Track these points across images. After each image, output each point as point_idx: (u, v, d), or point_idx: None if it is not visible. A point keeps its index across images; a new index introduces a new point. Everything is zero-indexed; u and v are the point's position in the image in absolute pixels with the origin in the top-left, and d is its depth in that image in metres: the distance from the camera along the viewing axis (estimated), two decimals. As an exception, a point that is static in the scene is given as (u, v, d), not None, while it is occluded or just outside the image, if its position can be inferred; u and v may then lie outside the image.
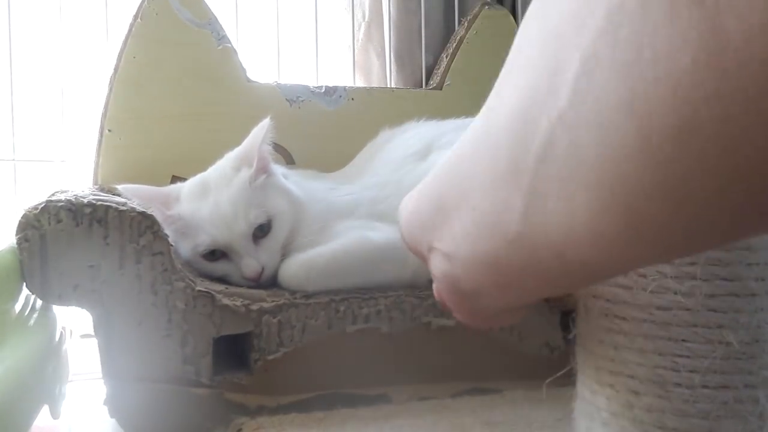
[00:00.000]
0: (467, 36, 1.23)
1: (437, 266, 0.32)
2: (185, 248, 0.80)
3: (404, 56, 1.26)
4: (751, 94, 0.15)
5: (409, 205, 0.36)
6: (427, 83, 1.26)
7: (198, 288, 0.72)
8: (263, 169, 0.84)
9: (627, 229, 0.20)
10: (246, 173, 0.82)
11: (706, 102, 0.15)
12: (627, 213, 0.19)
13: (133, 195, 0.79)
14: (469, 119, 1.03)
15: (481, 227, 0.26)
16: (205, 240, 0.79)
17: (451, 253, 0.29)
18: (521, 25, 0.25)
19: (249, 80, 1.10)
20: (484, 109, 0.27)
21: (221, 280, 0.80)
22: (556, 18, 0.21)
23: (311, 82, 1.15)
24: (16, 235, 0.66)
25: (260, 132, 0.84)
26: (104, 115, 1.01)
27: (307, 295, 0.77)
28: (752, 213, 0.17)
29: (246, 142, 0.85)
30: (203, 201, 0.81)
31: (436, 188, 0.31)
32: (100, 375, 0.72)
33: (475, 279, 0.29)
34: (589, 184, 0.19)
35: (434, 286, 0.36)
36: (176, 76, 1.05)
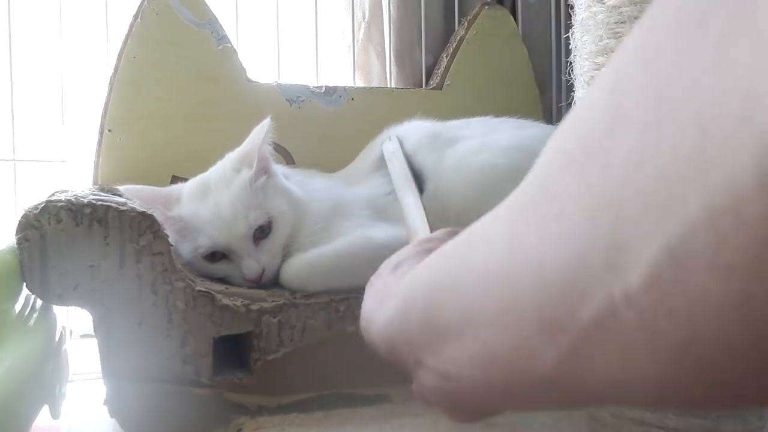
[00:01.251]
0: (467, 36, 1.23)
1: (429, 381, 0.30)
2: (186, 249, 0.80)
3: (404, 56, 1.26)
4: None
5: (384, 312, 0.34)
6: (427, 83, 1.26)
7: (198, 288, 0.72)
8: (264, 170, 0.84)
9: (698, 394, 0.19)
10: (246, 174, 0.82)
11: None
12: (707, 386, 0.18)
13: (134, 196, 0.79)
14: (474, 118, 1.03)
15: (495, 363, 0.25)
16: (205, 242, 0.79)
17: (452, 375, 0.28)
18: (545, 154, 0.23)
19: (249, 80, 1.10)
20: (492, 240, 0.25)
21: (222, 280, 0.80)
22: (611, 185, 0.19)
23: (311, 82, 1.15)
24: (16, 235, 0.66)
25: (260, 132, 0.84)
26: (104, 115, 1.01)
27: (307, 295, 0.77)
28: None
29: (246, 143, 0.85)
30: (203, 202, 0.81)
31: (426, 305, 0.29)
32: (100, 375, 0.72)
33: (483, 398, 0.28)
34: (664, 359, 0.18)
35: (419, 392, 0.34)
36: (176, 76, 1.05)
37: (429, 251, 0.38)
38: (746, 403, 0.19)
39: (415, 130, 0.98)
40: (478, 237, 0.27)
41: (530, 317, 0.22)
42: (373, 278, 0.42)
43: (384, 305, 0.35)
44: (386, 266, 0.41)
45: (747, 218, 0.15)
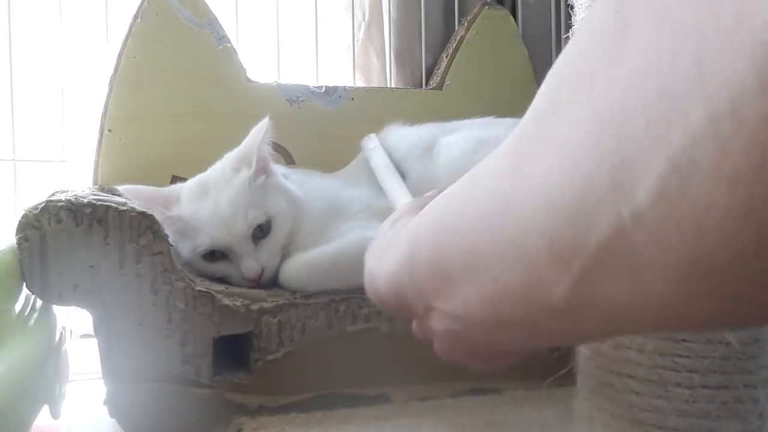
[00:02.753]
0: (467, 36, 1.23)
1: (440, 325, 0.30)
2: (185, 249, 0.80)
3: (404, 56, 1.26)
4: None
5: (388, 264, 0.34)
6: (427, 83, 1.26)
7: (198, 288, 0.72)
8: (263, 170, 0.84)
9: (710, 313, 0.19)
10: (245, 174, 0.82)
11: None
12: (718, 303, 0.18)
13: (133, 196, 0.79)
14: (475, 119, 1.03)
15: (507, 297, 0.25)
16: (204, 241, 0.79)
17: (463, 315, 0.28)
18: (548, 76, 0.23)
19: (249, 80, 1.10)
20: (493, 175, 0.25)
21: (222, 280, 0.80)
22: (614, 104, 0.19)
23: (311, 82, 1.15)
24: (16, 235, 0.66)
25: (259, 132, 0.84)
26: (104, 115, 1.01)
27: (307, 295, 0.77)
28: None
29: (245, 143, 0.85)
30: (202, 202, 0.81)
31: (432, 249, 0.29)
32: (100, 375, 0.72)
33: (494, 336, 0.28)
34: (674, 277, 0.18)
35: (433, 337, 0.34)
36: (176, 76, 1.05)
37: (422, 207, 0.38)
38: (760, 319, 0.20)
39: (403, 137, 0.99)
40: (481, 176, 0.27)
41: (540, 248, 0.22)
42: (373, 241, 0.41)
43: (387, 257, 0.34)
44: (385, 225, 0.41)
45: (747, 122, 0.15)
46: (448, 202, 0.29)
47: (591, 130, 0.20)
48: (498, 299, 0.25)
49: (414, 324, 0.36)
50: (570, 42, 0.23)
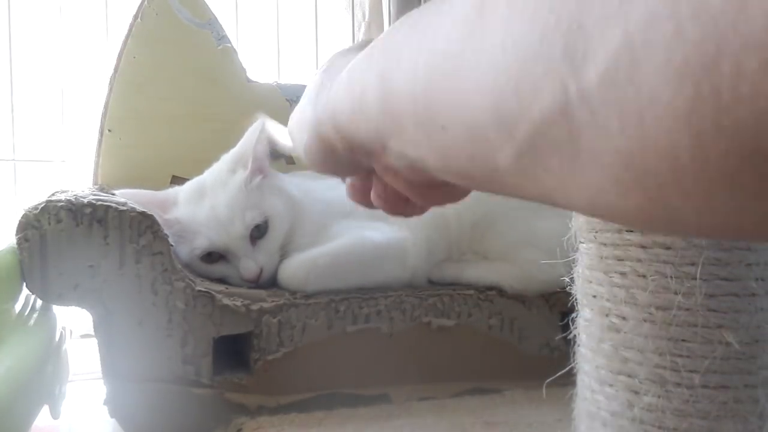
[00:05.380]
0: (467, 36, 1.23)
1: (398, 161, 0.29)
2: (184, 251, 0.80)
3: (404, 56, 1.26)
4: None
5: (331, 93, 0.31)
6: (427, 83, 1.26)
7: (198, 288, 0.72)
8: (259, 170, 0.84)
9: (641, 211, 0.18)
10: (241, 175, 0.82)
11: None
12: (648, 201, 0.18)
13: (130, 200, 0.79)
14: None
15: (455, 150, 0.24)
16: (202, 243, 0.79)
17: (415, 158, 0.27)
18: None
19: (249, 80, 1.10)
20: (451, 18, 0.23)
21: (221, 280, 0.80)
22: None
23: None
24: (16, 235, 0.66)
25: (254, 133, 0.83)
26: (104, 115, 1.01)
27: (307, 295, 0.77)
28: None
29: (240, 144, 0.85)
30: (200, 204, 0.81)
31: (379, 91, 0.27)
32: (100, 375, 0.72)
33: (446, 178, 0.27)
34: (608, 165, 0.18)
35: (382, 178, 0.33)
36: (176, 76, 1.05)
37: (349, 50, 0.35)
38: (697, 231, 0.19)
39: None
40: (436, 22, 0.24)
41: (486, 107, 0.21)
42: (297, 108, 0.38)
43: (330, 94, 0.32)
44: (304, 97, 0.37)
45: (709, 8, 0.14)
46: (402, 37, 0.27)
47: None
48: (446, 149, 0.24)
49: (351, 184, 0.36)
50: None
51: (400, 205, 0.35)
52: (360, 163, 0.33)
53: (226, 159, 0.86)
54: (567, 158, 0.19)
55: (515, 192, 0.23)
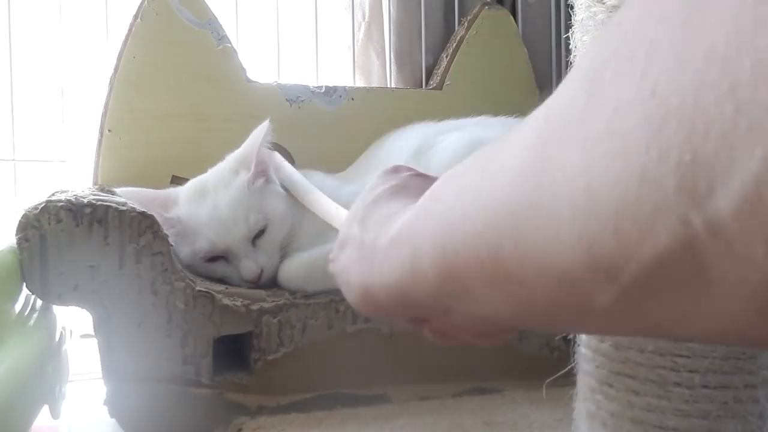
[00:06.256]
0: (467, 36, 1.23)
1: (464, 320, 0.28)
2: (184, 251, 0.80)
3: (404, 56, 1.26)
4: None
5: (388, 272, 0.30)
6: (427, 83, 1.26)
7: (198, 288, 0.72)
8: (262, 172, 0.84)
9: None
10: (244, 176, 0.82)
11: None
12: None
13: (131, 198, 0.79)
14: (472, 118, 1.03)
15: (536, 302, 0.22)
16: (203, 245, 0.79)
17: (489, 316, 0.26)
18: (588, 49, 0.20)
19: (249, 80, 1.10)
20: (509, 168, 0.21)
21: (221, 280, 0.80)
22: (685, 82, 0.15)
23: (311, 82, 1.15)
24: (16, 235, 0.66)
25: (258, 135, 0.84)
26: (104, 115, 1.01)
27: (307, 295, 0.77)
28: None
29: (244, 146, 0.85)
30: (202, 204, 0.81)
31: (438, 257, 0.26)
32: (100, 375, 0.72)
33: (522, 327, 0.27)
34: (746, 293, 0.16)
35: (454, 331, 0.32)
36: (176, 76, 1.05)
37: (399, 188, 0.34)
38: None
39: (393, 142, 0.99)
40: (496, 166, 0.22)
41: (577, 255, 0.19)
42: (343, 240, 0.37)
43: (383, 265, 0.30)
44: (352, 223, 0.36)
45: None
46: (453, 196, 0.25)
47: (648, 116, 0.16)
48: (527, 303, 0.22)
49: (427, 331, 0.34)
50: (623, 7, 0.19)
51: (454, 342, 0.34)
52: (416, 320, 0.32)
53: (230, 160, 0.86)
54: (690, 294, 0.17)
55: (616, 327, 0.22)
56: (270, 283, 0.80)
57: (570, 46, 0.70)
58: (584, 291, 0.19)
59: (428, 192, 0.28)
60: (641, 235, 0.17)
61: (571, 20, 0.68)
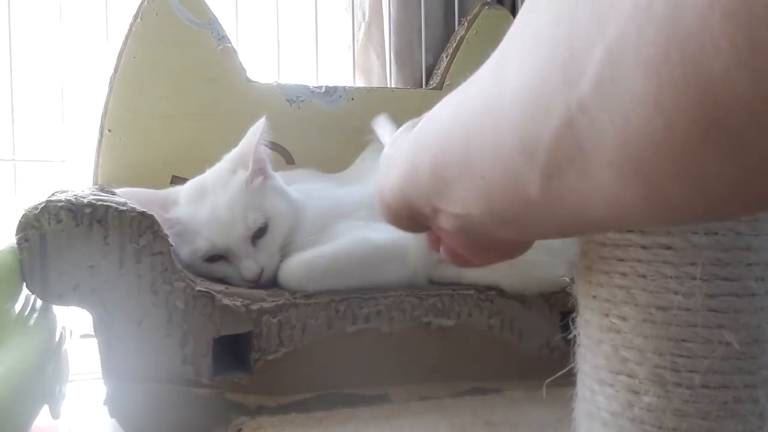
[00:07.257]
0: (467, 36, 1.23)
1: (447, 223, 0.32)
2: (184, 251, 0.80)
3: (404, 56, 1.26)
4: None
5: (394, 176, 0.36)
6: (427, 83, 1.26)
7: (198, 288, 0.72)
8: (260, 171, 0.84)
9: (646, 202, 0.20)
10: (242, 175, 0.82)
11: (736, 103, 0.16)
12: (648, 189, 0.20)
13: (130, 198, 0.79)
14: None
15: (494, 194, 0.26)
16: (203, 245, 0.79)
17: (463, 214, 0.30)
18: None
19: (249, 80, 1.10)
20: (481, 81, 0.27)
21: (221, 280, 0.80)
22: (571, 2, 0.20)
23: (311, 82, 1.15)
24: (16, 235, 0.66)
25: (255, 133, 0.84)
26: (104, 115, 1.01)
27: (307, 295, 0.77)
28: (763, 198, 0.18)
29: (241, 144, 0.85)
30: (201, 204, 0.81)
31: (431, 158, 0.31)
32: (100, 375, 0.72)
33: (492, 229, 0.30)
34: (611, 163, 0.20)
35: (442, 239, 0.37)
36: (176, 76, 1.05)
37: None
38: (689, 216, 0.22)
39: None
40: (472, 82, 0.28)
41: (513, 141, 0.23)
42: (381, 162, 0.43)
43: (393, 170, 0.36)
44: (390, 145, 0.42)
45: (656, 14, 0.16)
46: (444, 111, 0.31)
47: (553, 19, 0.20)
48: (488, 197, 0.27)
49: (428, 235, 0.39)
50: None
51: (462, 260, 0.39)
52: (422, 226, 0.37)
53: (227, 159, 0.86)
54: (580, 169, 0.21)
55: (551, 221, 0.25)
56: (270, 282, 0.80)
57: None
58: (522, 178, 0.23)
59: (433, 108, 0.33)
60: (545, 119, 0.21)
61: (571, 20, 0.68)
